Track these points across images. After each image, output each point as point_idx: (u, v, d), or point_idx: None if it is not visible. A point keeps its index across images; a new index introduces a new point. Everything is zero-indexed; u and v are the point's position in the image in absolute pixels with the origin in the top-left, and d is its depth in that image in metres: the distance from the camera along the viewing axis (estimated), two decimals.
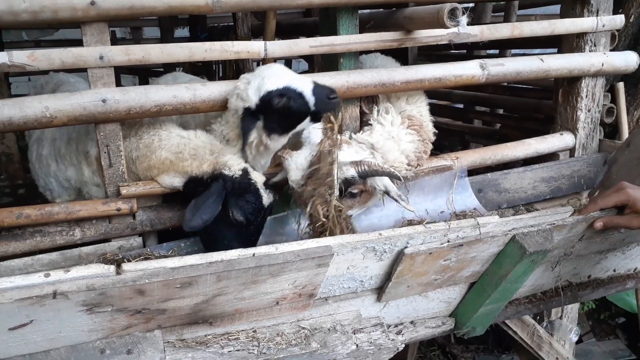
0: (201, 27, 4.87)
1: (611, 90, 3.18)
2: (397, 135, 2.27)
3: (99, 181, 2.12)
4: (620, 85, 3.16)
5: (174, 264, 1.16)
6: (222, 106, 2.00)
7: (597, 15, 2.71)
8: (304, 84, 1.88)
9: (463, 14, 2.09)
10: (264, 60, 3.28)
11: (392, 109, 2.39)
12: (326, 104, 1.87)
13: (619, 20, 2.76)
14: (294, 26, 3.79)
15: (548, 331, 3.32)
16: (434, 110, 2.67)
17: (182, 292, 1.21)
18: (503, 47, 4.16)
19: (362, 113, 2.49)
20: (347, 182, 2.04)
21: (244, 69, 3.58)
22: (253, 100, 1.89)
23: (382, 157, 2.19)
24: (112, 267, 1.13)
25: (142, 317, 1.24)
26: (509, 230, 1.55)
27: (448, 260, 1.55)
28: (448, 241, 1.48)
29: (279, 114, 1.89)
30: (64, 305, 1.11)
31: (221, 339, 1.40)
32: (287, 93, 1.86)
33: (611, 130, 3.21)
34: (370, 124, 2.34)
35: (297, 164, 1.93)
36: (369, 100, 2.45)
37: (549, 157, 2.94)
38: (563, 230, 1.65)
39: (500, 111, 4.18)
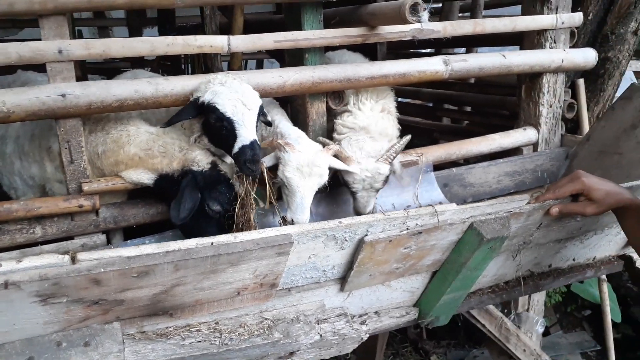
0: (170, 26, 4.83)
1: (572, 86, 3.27)
2: (385, 117, 2.37)
3: (61, 177, 2.09)
4: (581, 82, 3.26)
5: (130, 253, 1.15)
6: (184, 100, 1.98)
7: (556, 13, 2.78)
8: (247, 128, 1.82)
9: (424, 9, 2.13)
10: (231, 57, 3.29)
11: (368, 99, 2.43)
12: (241, 165, 1.80)
13: (578, 17, 2.84)
14: (263, 24, 3.79)
15: (515, 324, 3.38)
16: (404, 109, 2.71)
17: (139, 281, 1.20)
18: (469, 45, 4.23)
19: (328, 110, 2.52)
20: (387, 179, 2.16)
21: (212, 67, 3.56)
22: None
23: (380, 135, 2.27)
24: (67, 257, 1.12)
25: (100, 309, 1.23)
26: (467, 218, 1.58)
27: (408, 248, 1.57)
28: (407, 229, 1.50)
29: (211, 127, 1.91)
30: (16, 296, 1.09)
31: (182, 331, 1.40)
32: (216, 119, 1.85)
33: (573, 125, 3.30)
34: (350, 111, 2.38)
35: (298, 163, 1.94)
36: (335, 96, 2.47)
37: (513, 152, 3.00)
38: (520, 217, 1.69)
39: (468, 109, 4.25)
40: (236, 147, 1.76)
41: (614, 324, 4.09)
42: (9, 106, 1.76)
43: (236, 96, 1.81)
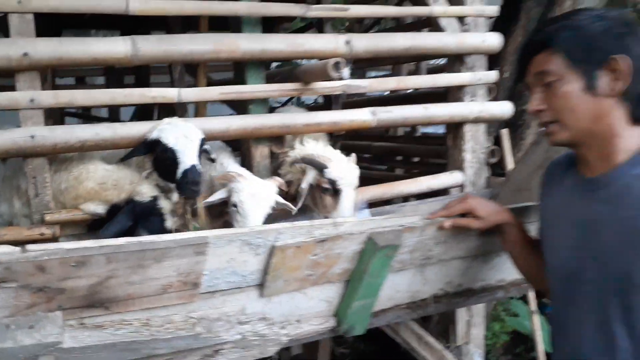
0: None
1: (497, 135, 3.69)
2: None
3: (27, 212, 2.38)
4: (505, 131, 3.68)
5: (70, 246, 1.45)
6: (138, 142, 2.32)
7: (473, 71, 3.22)
8: (189, 156, 2.16)
9: (345, 67, 2.54)
10: (196, 113, 3.67)
11: (310, 142, 2.79)
12: (183, 187, 2.16)
13: (493, 75, 3.28)
14: (224, 83, 4.23)
15: (456, 356, 3.59)
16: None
17: (77, 271, 1.48)
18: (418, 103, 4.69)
19: (272, 154, 2.87)
20: None
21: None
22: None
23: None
24: (18, 248, 1.41)
25: (44, 296, 1.49)
26: (365, 230, 1.89)
27: (316, 255, 1.86)
28: (312, 237, 1.81)
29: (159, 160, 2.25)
30: None
31: (116, 324, 1.66)
32: (161, 151, 2.20)
33: (502, 170, 3.69)
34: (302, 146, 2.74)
35: (250, 189, 2.29)
36: (277, 141, 2.83)
37: (444, 193, 3.35)
38: (415, 231, 2.01)
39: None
40: (179, 173, 2.09)
41: None
42: None
43: (178, 130, 2.16)
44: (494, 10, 3.17)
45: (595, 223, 1.56)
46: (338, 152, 2.67)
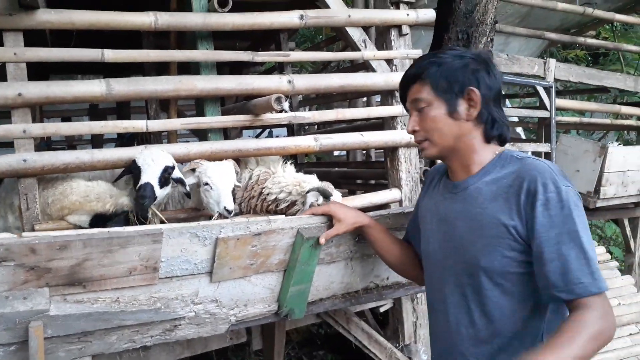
0: (128, 135, 5.79)
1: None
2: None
3: (19, 224, 2.83)
4: None
5: (55, 233, 1.90)
6: (112, 165, 2.80)
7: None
8: (148, 175, 2.60)
9: (286, 101, 3.07)
10: (169, 139, 4.16)
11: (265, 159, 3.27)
12: (136, 198, 2.61)
13: None
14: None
15: (405, 355, 4.01)
16: None
17: (60, 253, 1.92)
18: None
19: None
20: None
21: None
22: None
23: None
24: (15, 235, 1.86)
25: (35, 274, 1.94)
26: (294, 226, 2.37)
27: (255, 246, 2.33)
28: (250, 231, 2.28)
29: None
30: None
31: (92, 300, 2.09)
32: (133, 169, 2.68)
33: None
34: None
35: (214, 166, 2.80)
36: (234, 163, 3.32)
37: (385, 207, 3.85)
38: None
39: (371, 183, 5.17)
40: (138, 186, 2.56)
41: None
42: None
43: (149, 154, 2.65)
44: (418, 53, 3.75)
45: (455, 219, 1.90)
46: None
